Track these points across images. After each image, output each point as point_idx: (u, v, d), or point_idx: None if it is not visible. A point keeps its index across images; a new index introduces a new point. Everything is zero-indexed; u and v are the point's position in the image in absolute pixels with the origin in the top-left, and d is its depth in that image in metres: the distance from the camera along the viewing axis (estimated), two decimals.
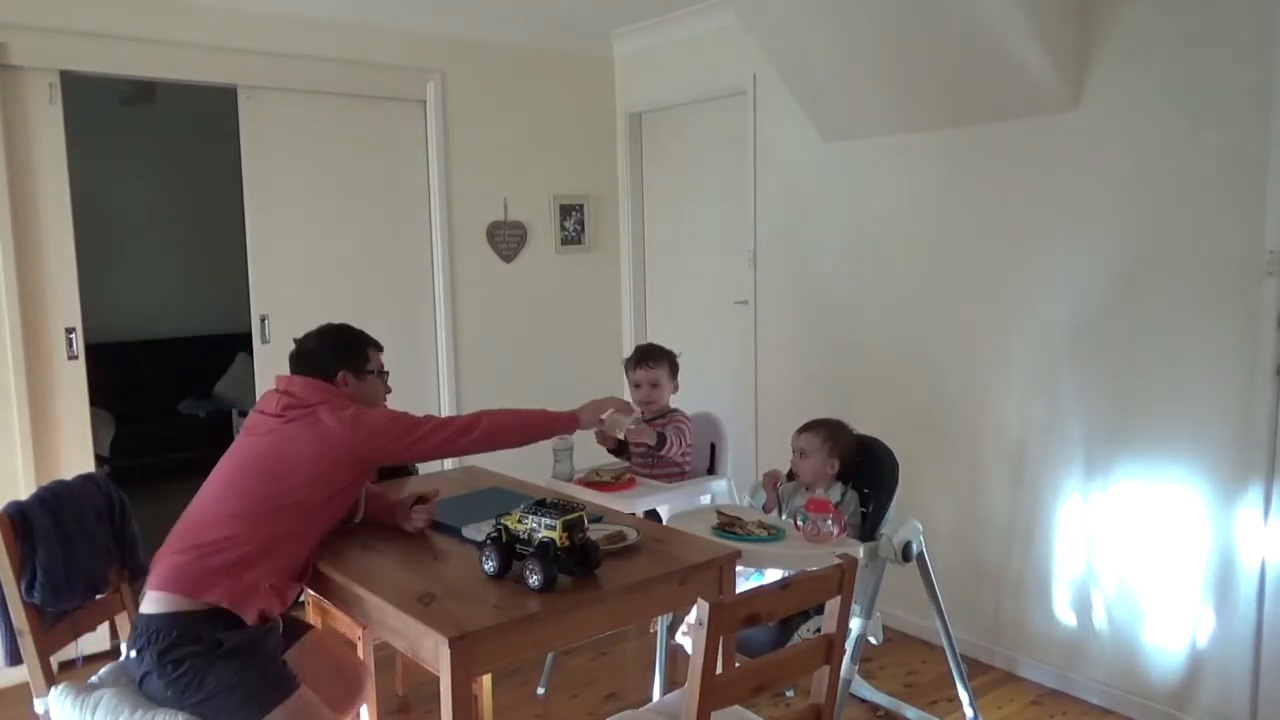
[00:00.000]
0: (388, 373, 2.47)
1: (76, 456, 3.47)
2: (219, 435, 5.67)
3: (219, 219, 5.86)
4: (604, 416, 2.50)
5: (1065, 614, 3.17)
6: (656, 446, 3.04)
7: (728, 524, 2.51)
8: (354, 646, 2.62)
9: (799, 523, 2.51)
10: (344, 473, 2.18)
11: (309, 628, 2.39)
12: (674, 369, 3.24)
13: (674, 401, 3.29)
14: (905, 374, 3.58)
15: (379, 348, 2.45)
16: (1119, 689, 3.02)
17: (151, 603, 2.03)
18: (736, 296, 4.28)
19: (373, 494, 2.52)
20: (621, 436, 2.66)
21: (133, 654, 2.04)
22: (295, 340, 2.40)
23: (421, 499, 2.45)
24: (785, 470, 2.96)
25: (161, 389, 6.19)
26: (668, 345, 3.32)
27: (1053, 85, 2.94)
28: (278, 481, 2.12)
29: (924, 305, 3.49)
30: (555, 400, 4.68)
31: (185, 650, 1.97)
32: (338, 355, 2.33)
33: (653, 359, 3.22)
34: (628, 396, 3.26)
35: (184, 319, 6.41)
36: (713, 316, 4.47)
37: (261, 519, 2.09)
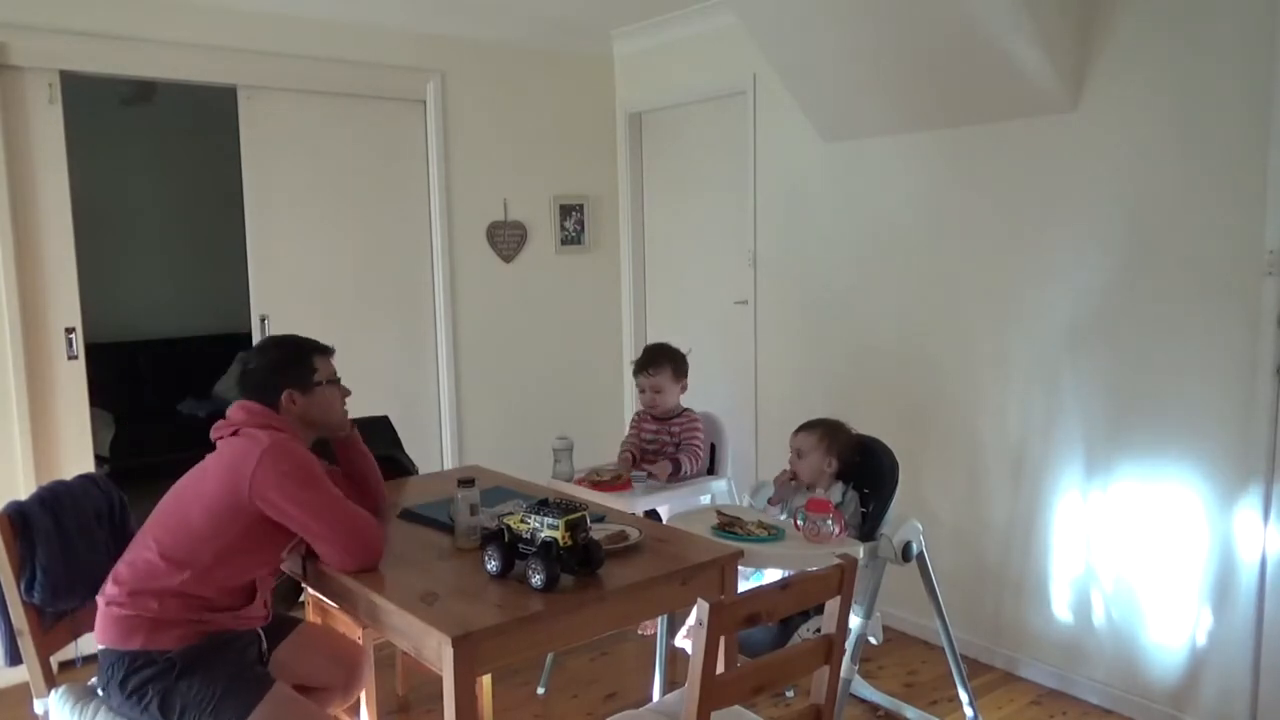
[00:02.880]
0: (339, 379, 2.32)
1: (76, 456, 3.47)
2: None
3: (219, 219, 5.85)
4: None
5: (1065, 614, 3.17)
6: (675, 472, 3.08)
7: (728, 524, 2.51)
8: (350, 638, 2.62)
9: (799, 523, 2.51)
10: (245, 518, 2.03)
11: (299, 622, 2.38)
12: (679, 371, 3.23)
13: (685, 400, 3.28)
14: (905, 374, 3.58)
15: (327, 352, 2.30)
16: (1119, 689, 3.02)
17: (98, 636, 2.06)
18: (736, 296, 4.28)
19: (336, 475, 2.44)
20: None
21: (99, 693, 2.06)
22: (237, 358, 2.33)
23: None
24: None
25: (161, 389, 6.18)
26: (676, 344, 3.31)
27: (1052, 86, 2.94)
28: (188, 521, 2.04)
29: (924, 305, 3.50)
30: (555, 400, 4.72)
31: (142, 676, 1.98)
32: (278, 373, 2.20)
33: (653, 365, 3.21)
34: (630, 393, 3.27)
35: (184, 319, 6.40)
36: (713, 316, 4.47)
37: (174, 573, 2.02)
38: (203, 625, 2.04)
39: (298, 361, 2.24)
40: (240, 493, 2.01)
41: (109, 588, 2.06)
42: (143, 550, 2.07)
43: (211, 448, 2.17)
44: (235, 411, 2.17)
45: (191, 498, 2.09)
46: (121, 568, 2.08)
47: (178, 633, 2.01)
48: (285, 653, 2.23)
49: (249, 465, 2.02)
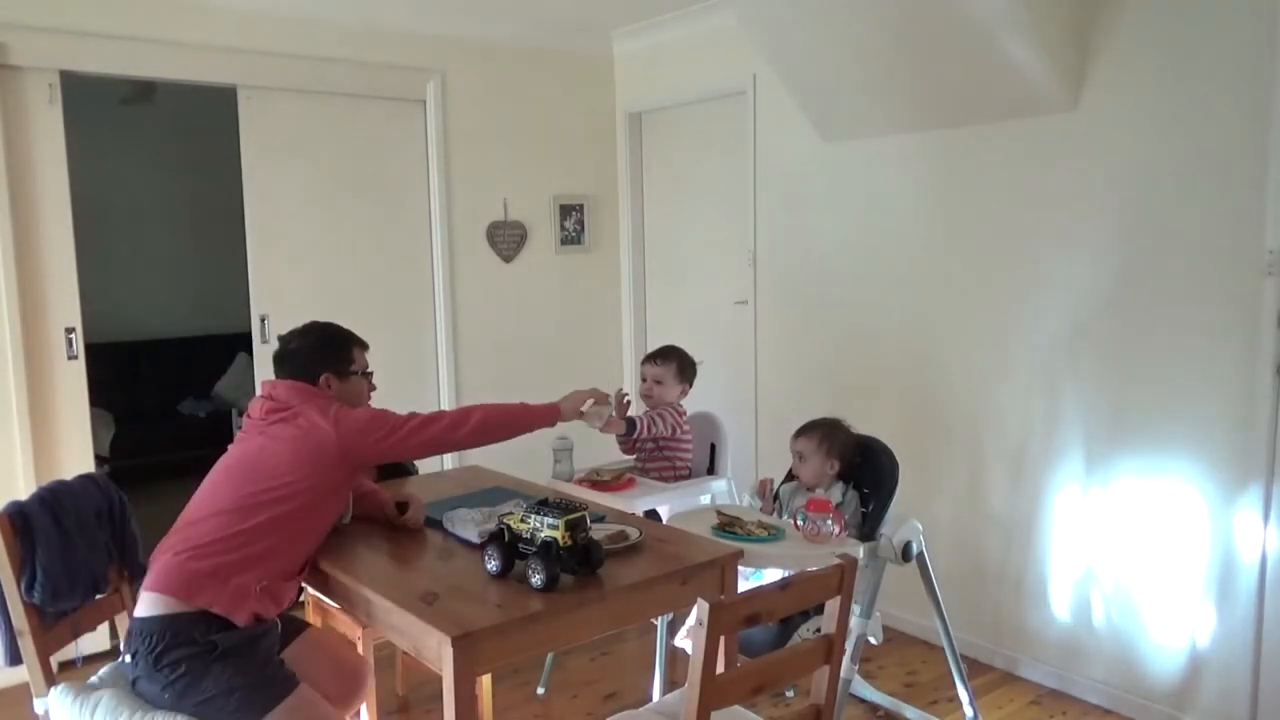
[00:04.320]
0: (372, 372, 2.43)
1: (76, 456, 3.47)
2: (219, 435, 5.66)
3: (219, 219, 5.86)
4: (584, 409, 2.51)
5: (1065, 614, 3.17)
6: (627, 433, 3.06)
7: (728, 524, 2.51)
8: (353, 646, 2.62)
9: (799, 523, 2.51)
10: (331, 473, 2.16)
11: (306, 625, 2.39)
12: (685, 372, 3.24)
13: (683, 402, 3.29)
14: (905, 373, 3.58)
15: (364, 346, 2.42)
16: (1119, 689, 3.02)
17: (145, 605, 2.02)
18: (736, 296, 4.28)
19: (367, 490, 2.52)
20: (600, 428, 2.64)
21: (127, 658, 2.03)
22: (279, 338, 2.39)
23: (403, 504, 2.47)
24: (780, 474, 2.96)
25: (161, 389, 6.19)
26: (689, 352, 3.31)
27: (1052, 86, 2.94)
28: (265, 485, 2.10)
29: (924, 304, 3.50)
30: (555, 400, 4.67)
31: (180, 653, 1.97)
32: (320, 356, 2.30)
33: (661, 357, 3.24)
34: (635, 390, 3.28)
35: (184, 319, 6.40)
36: (713, 316, 4.47)
37: (250, 523, 2.07)
38: (264, 600, 2.06)
39: (339, 348, 2.35)
40: (328, 445, 2.12)
41: (176, 543, 2.07)
42: (215, 516, 2.08)
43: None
44: (283, 391, 2.23)
45: (261, 464, 2.13)
46: (185, 531, 2.08)
47: (243, 604, 2.02)
48: (291, 657, 2.23)
49: (327, 422, 2.14)
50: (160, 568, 2.04)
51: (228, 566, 2.03)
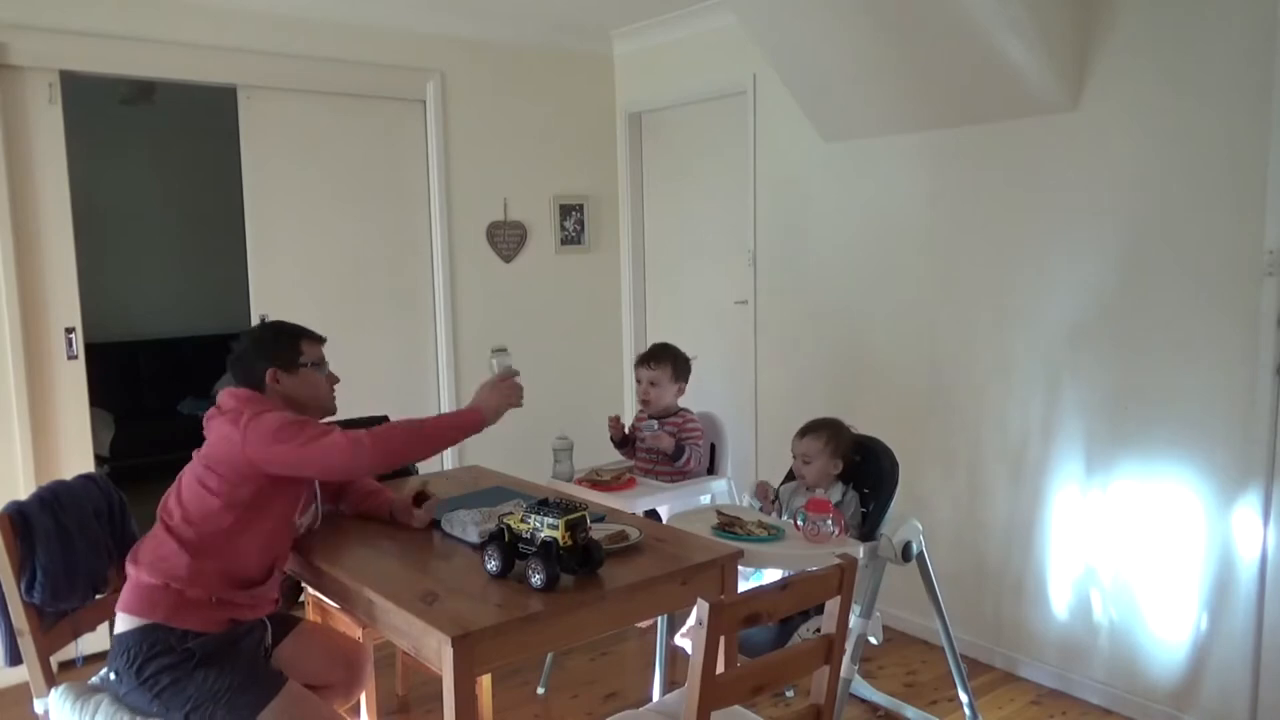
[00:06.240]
0: (326, 363, 2.33)
1: (76, 456, 3.47)
2: None
3: (219, 219, 5.86)
4: (497, 395, 2.28)
5: (1065, 614, 3.17)
6: (674, 457, 3.08)
7: (728, 524, 2.51)
8: (352, 638, 2.62)
9: (799, 523, 2.51)
10: (248, 484, 2.08)
11: (299, 620, 2.39)
12: (680, 371, 3.25)
13: (685, 402, 3.29)
14: (905, 374, 3.58)
15: (316, 339, 2.32)
16: (1119, 689, 3.02)
17: (120, 621, 2.05)
18: (736, 296, 4.28)
19: (372, 490, 2.52)
20: (501, 370, 2.35)
21: (111, 676, 2.04)
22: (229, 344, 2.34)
23: (423, 495, 2.45)
24: (780, 474, 2.96)
25: (161, 389, 6.19)
26: (681, 348, 3.32)
27: (1052, 86, 2.94)
28: (200, 494, 2.09)
29: (924, 305, 3.50)
30: (555, 400, 4.71)
31: (160, 663, 1.98)
32: (264, 352, 2.24)
33: (655, 359, 3.24)
34: (631, 393, 3.28)
35: (184, 319, 6.40)
36: (713, 316, 4.47)
37: (188, 535, 2.06)
38: (223, 610, 2.06)
39: (284, 342, 2.27)
40: (236, 455, 2.05)
41: (131, 563, 2.08)
42: (164, 529, 2.09)
43: None
44: (224, 398, 2.20)
45: (199, 475, 2.12)
46: (145, 543, 2.10)
47: (200, 615, 2.03)
48: (287, 651, 2.24)
49: (237, 432, 2.06)
50: (126, 584, 2.07)
51: (176, 580, 2.03)
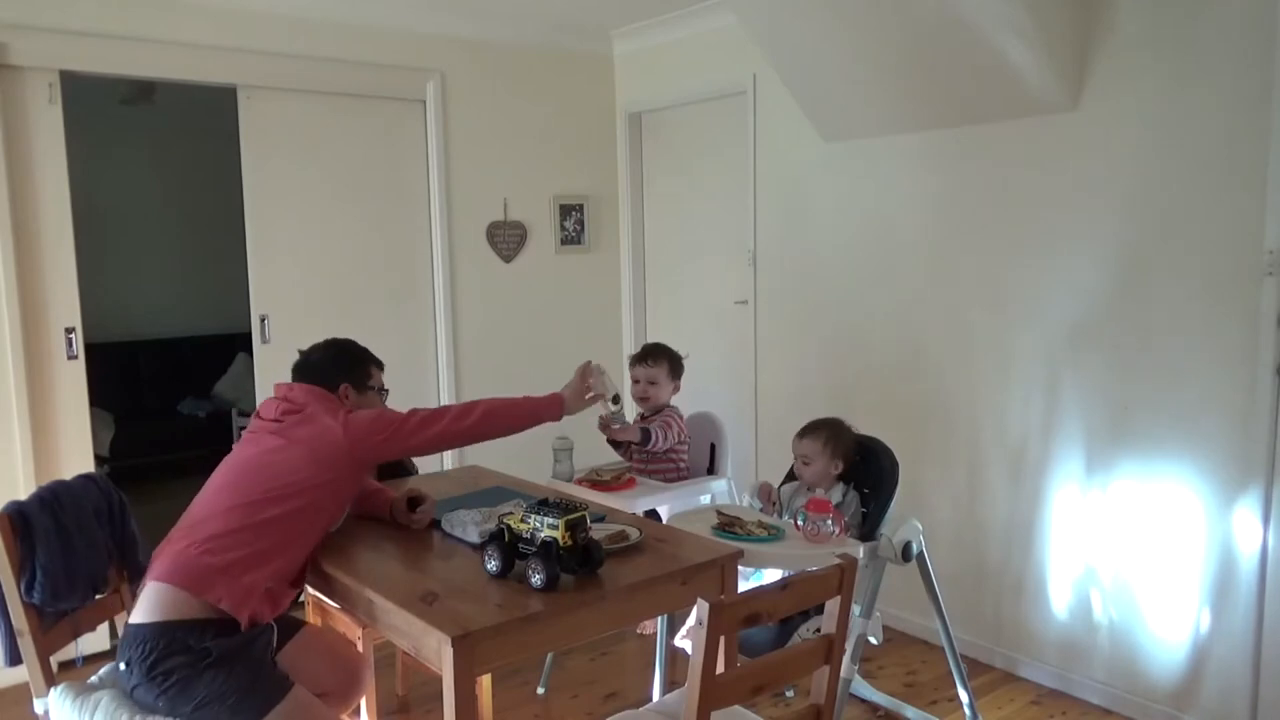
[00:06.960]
0: (387, 391, 2.50)
1: (76, 456, 3.47)
2: (219, 435, 5.68)
3: (219, 219, 5.86)
4: (588, 397, 2.47)
5: (1065, 614, 3.17)
6: (642, 443, 3.06)
7: (728, 524, 2.51)
8: (350, 642, 2.62)
9: (799, 523, 2.51)
10: (340, 472, 2.19)
11: (303, 624, 2.40)
12: (675, 370, 3.26)
13: (675, 401, 3.30)
14: (906, 374, 3.58)
15: (380, 366, 2.51)
16: (1119, 689, 3.02)
17: (144, 606, 2.02)
18: (736, 296, 4.28)
19: (372, 490, 2.53)
20: (613, 427, 2.67)
21: (121, 666, 2.03)
22: (300, 351, 2.44)
23: (416, 499, 2.47)
24: (780, 474, 2.96)
25: (161, 389, 6.19)
26: (673, 347, 3.33)
27: (1052, 86, 2.94)
28: (277, 484, 2.13)
29: (924, 305, 3.50)
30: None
31: (173, 662, 1.97)
32: (342, 367, 2.39)
33: (652, 358, 3.24)
34: (628, 391, 3.28)
35: (184, 319, 6.40)
36: (713, 316, 4.47)
37: (261, 521, 2.09)
38: (268, 603, 2.08)
39: (359, 363, 2.45)
40: (336, 445, 2.16)
41: (184, 539, 2.07)
42: (221, 515, 2.10)
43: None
44: (299, 394, 2.28)
45: (268, 463, 2.16)
46: (202, 526, 2.09)
47: (250, 603, 2.03)
48: (288, 656, 2.23)
49: (337, 424, 2.18)
50: (172, 560, 2.04)
51: (239, 563, 2.05)
